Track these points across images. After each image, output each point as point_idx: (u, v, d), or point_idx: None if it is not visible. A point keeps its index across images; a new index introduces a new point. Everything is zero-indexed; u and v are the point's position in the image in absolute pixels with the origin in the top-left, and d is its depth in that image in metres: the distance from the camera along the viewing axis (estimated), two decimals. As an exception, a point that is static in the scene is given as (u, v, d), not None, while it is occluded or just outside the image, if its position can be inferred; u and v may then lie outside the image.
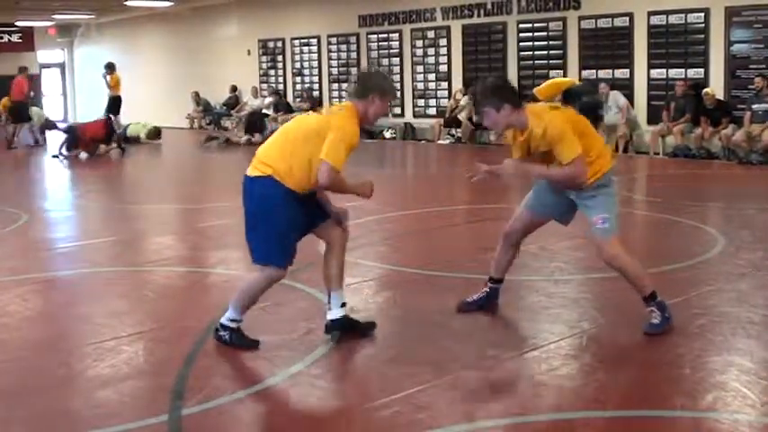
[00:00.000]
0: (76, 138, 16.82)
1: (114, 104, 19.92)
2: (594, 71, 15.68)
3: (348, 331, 4.84)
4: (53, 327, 5.51)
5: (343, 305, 4.86)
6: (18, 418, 3.95)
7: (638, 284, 4.95)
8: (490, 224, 8.85)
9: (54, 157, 16.65)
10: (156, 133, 20.13)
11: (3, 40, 28.16)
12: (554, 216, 5.16)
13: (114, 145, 17.15)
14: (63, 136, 17.29)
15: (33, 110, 20.42)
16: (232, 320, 4.75)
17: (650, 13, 14.73)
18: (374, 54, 20.00)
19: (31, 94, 21.38)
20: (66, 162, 16.30)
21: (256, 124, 18.96)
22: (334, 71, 21.13)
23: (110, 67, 20.30)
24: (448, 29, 18.31)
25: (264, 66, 23.10)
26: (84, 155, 16.37)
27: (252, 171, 4.78)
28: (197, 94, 24.06)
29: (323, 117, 4.75)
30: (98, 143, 16.86)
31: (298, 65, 22.15)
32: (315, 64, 21.64)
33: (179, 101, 24.52)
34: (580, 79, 15.75)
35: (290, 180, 4.59)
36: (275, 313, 5.49)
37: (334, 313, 4.82)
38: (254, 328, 5.12)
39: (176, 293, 6.44)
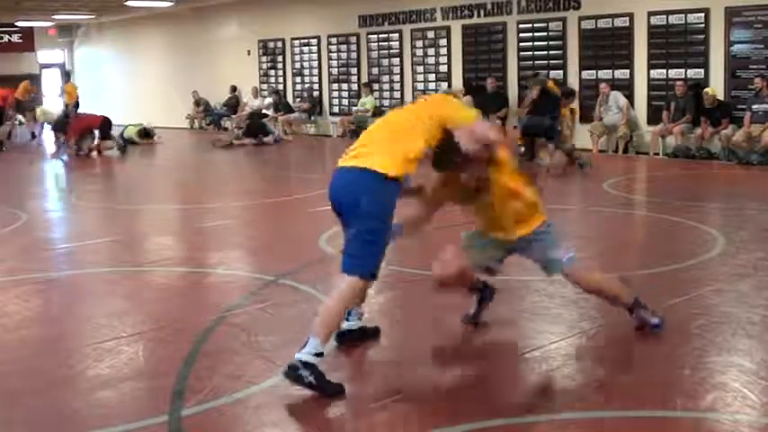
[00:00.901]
0: (65, 124, 17.01)
1: None
2: (594, 71, 15.68)
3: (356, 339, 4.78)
4: (53, 327, 5.51)
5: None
6: (18, 419, 3.95)
7: (619, 300, 4.87)
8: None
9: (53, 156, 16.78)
10: (145, 134, 19.99)
11: (3, 41, 28.17)
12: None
13: (111, 143, 17.14)
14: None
15: (39, 109, 20.73)
16: (316, 354, 4.04)
17: (650, 14, 14.73)
18: (374, 54, 20.00)
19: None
20: (65, 159, 16.34)
21: (257, 129, 18.87)
22: (335, 71, 21.12)
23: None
24: (448, 29, 18.31)
25: (265, 66, 23.10)
26: (66, 155, 16.49)
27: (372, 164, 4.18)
28: (196, 93, 24.06)
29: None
30: (87, 135, 16.89)
31: (298, 65, 22.14)
32: (315, 64, 21.63)
33: (179, 101, 24.53)
34: (580, 79, 15.79)
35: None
36: (276, 313, 5.49)
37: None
38: (254, 329, 5.13)
39: (177, 294, 6.44)
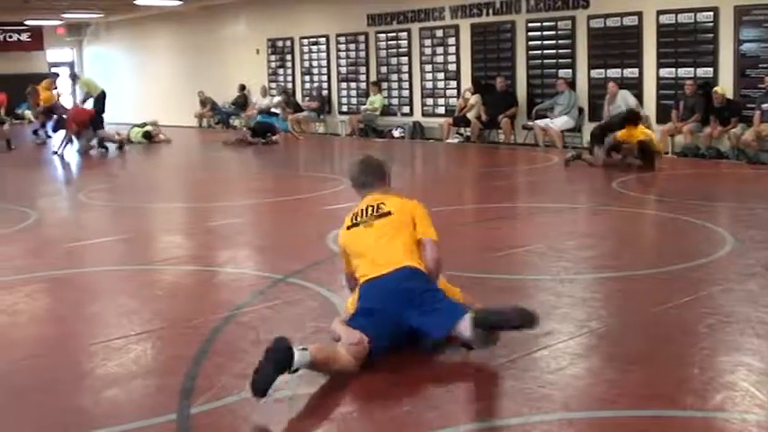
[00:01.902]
0: (63, 120, 17.12)
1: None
2: (603, 70, 15.67)
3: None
4: (61, 325, 5.52)
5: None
6: (27, 417, 3.96)
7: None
8: (497, 224, 8.87)
9: (54, 153, 16.83)
10: (146, 135, 19.86)
11: (12, 40, 28.26)
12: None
13: (94, 142, 17.16)
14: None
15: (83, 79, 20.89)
16: None
17: (659, 12, 14.71)
18: (383, 53, 20.01)
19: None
20: (67, 157, 16.41)
21: (265, 130, 18.86)
22: (343, 70, 21.14)
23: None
24: (456, 28, 18.30)
25: (273, 65, 23.13)
26: (62, 148, 16.62)
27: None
28: (202, 93, 24.07)
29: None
30: (82, 129, 16.94)
31: (306, 64, 22.17)
32: (324, 63, 21.66)
33: (188, 100, 24.56)
34: (589, 78, 15.77)
35: None
36: (284, 312, 5.49)
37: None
38: (263, 327, 5.13)
39: (185, 292, 6.45)
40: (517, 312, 4.33)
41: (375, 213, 4.81)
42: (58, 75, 22.02)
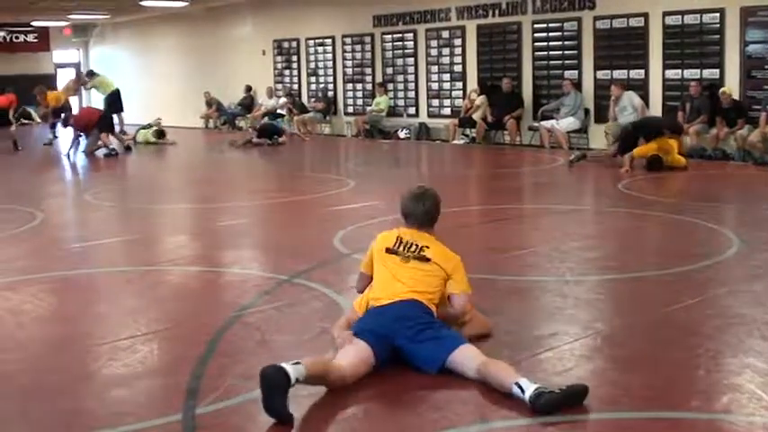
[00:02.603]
0: (69, 121, 17.24)
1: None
2: (609, 71, 15.64)
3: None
4: (68, 325, 5.53)
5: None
6: (33, 417, 3.97)
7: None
8: (503, 225, 8.87)
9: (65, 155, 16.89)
10: (160, 134, 19.85)
11: (18, 41, 28.31)
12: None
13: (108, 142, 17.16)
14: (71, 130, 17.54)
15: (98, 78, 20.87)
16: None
17: (665, 14, 14.68)
18: (389, 54, 20.01)
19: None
20: (72, 157, 16.46)
21: (270, 131, 18.85)
22: (349, 71, 21.14)
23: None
24: (463, 29, 18.30)
25: (279, 66, 23.14)
26: (70, 149, 16.73)
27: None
28: (208, 94, 24.09)
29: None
30: (89, 130, 16.97)
31: (312, 65, 22.17)
32: (329, 64, 21.65)
33: (194, 101, 24.58)
34: (595, 79, 15.76)
35: None
36: (290, 312, 5.50)
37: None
38: (268, 328, 5.14)
39: (191, 293, 6.46)
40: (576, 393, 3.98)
41: (415, 253, 4.72)
42: (81, 73, 21.96)
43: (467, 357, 4.26)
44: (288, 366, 3.87)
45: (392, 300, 4.56)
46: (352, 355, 4.26)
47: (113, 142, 17.28)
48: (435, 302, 4.66)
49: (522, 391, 3.88)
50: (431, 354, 4.33)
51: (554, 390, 3.87)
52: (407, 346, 4.39)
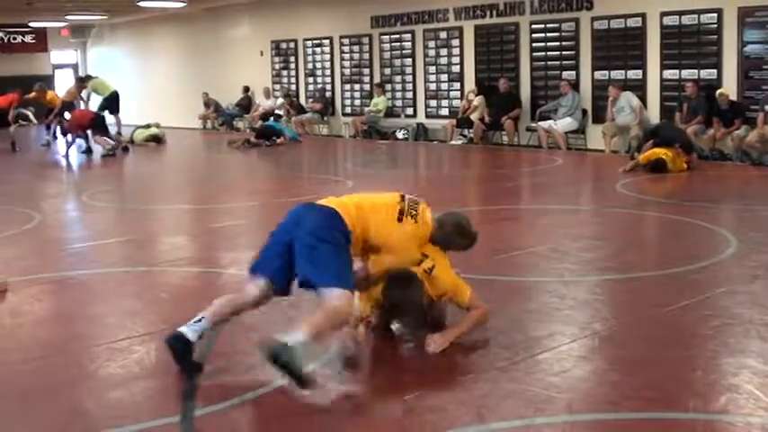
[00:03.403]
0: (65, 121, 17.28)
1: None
2: (607, 72, 15.65)
3: None
4: (66, 327, 5.52)
5: None
6: (30, 418, 3.96)
7: None
8: (501, 225, 8.86)
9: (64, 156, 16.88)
10: (155, 138, 19.84)
11: (16, 41, 28.29)
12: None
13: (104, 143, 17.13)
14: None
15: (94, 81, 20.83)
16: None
17: (663, 14, 14.69)
18: (386, 55, 20.01)
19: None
20: (70, 158, 16.43)
21: (268, 133, 18.82)
22: (347, 72, 21.14)
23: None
24: (460, 29, 18.30)
25: (277, 66, 23.14)
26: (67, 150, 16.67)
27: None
28: (206, 94, 24.08)
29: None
30: (84, 132, 16.94)
31: (310, 66, 22.17)
32: (327, 65, 21.65)
33: (191, 101, 24.58)
34: (593, 80, 15.76)
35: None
36: (289, 313, 5.49)
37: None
38: (266, 329, 5.13)
39: (189, 294, 6.44)
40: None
41: (414, 210, 4.75)
42: (83, 78, 21.95)
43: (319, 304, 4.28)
44: (186, 329, 4.29)
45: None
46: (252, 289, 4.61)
47: (109, 143, 17.28)
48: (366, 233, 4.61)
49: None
50: (303, 271, 4.43)
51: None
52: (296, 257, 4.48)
